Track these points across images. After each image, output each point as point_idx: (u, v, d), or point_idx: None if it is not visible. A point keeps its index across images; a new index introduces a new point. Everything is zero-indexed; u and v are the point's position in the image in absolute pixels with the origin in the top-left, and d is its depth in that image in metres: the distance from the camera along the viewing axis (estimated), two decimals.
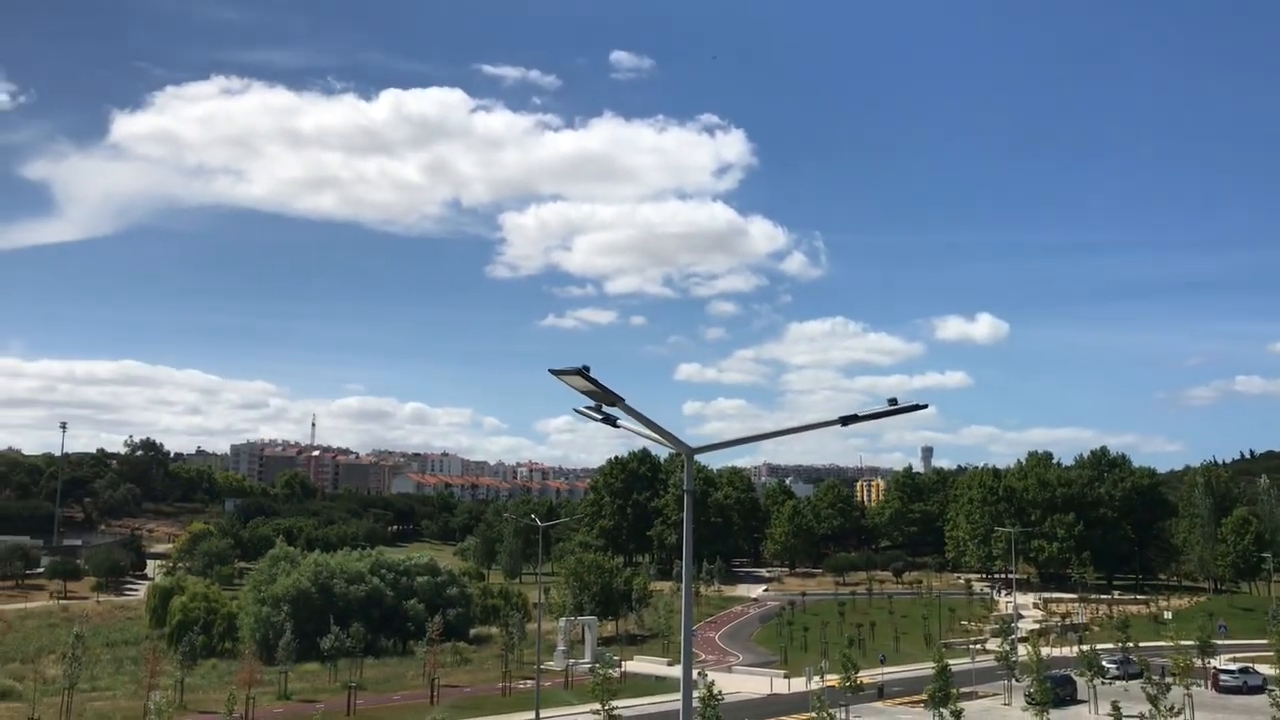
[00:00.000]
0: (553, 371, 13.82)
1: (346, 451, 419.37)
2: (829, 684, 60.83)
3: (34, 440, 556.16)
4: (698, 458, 15.93)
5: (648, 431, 15.26)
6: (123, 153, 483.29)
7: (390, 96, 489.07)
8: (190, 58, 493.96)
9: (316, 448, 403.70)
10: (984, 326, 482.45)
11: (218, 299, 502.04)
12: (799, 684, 68.10)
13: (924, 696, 55.16)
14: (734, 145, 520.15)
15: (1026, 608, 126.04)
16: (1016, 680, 65.52)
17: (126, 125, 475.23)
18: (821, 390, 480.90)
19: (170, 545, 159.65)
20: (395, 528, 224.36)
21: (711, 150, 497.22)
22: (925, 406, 14.13)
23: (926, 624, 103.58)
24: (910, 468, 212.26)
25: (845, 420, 14.00)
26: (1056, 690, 59.43)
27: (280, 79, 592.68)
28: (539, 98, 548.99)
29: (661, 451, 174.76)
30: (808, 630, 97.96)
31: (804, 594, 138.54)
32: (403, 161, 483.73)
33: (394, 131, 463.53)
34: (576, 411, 15.64)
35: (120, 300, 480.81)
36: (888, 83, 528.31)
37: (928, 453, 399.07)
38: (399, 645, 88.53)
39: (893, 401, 13.69)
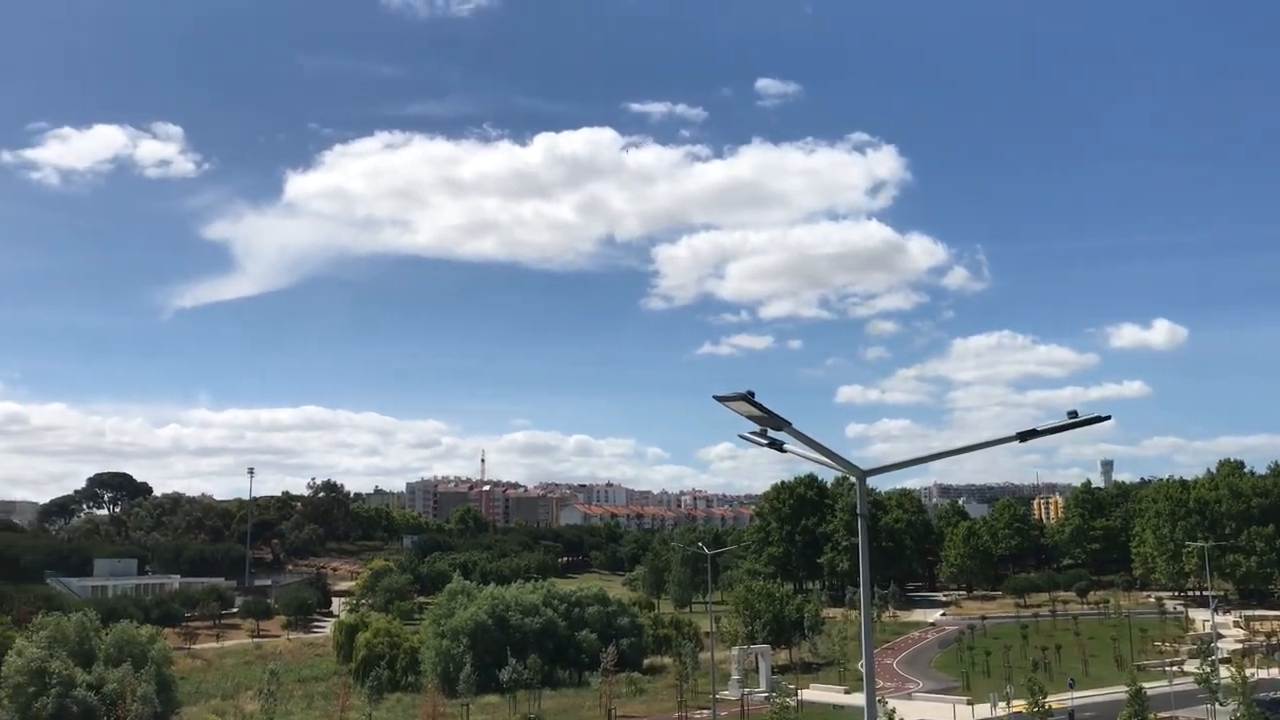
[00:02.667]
0: (717, 398, 13.75)
1: (515, 485, 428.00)
2: (1015, 710, 58.70)
3: (224, 486, 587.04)
4: (867, 480, 15.60)
5: (816, 455, 15.04)
6: (296, 210, 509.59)
7: (543, 140, 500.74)
8: (355, 116, 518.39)
9: (487, 483, 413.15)
10: (1160, 332, 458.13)
11: (389, 343, 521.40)
12: (983, 710, 65.87)
13: None
14: (886, 162, 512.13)
15: (1226, 626, 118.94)
16: (1220, 704, 61.77)
17: (299, 184, 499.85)
18: (990, 406, 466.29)
19: (353, 583, 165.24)
20: (565, 559, 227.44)
21: (863, 168, 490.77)
22: (1107, 418, 13.58)
23: (1116, 645, 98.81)
24: (1089, 482, 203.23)
25: (1024, 436, 13.53)
26: (1267, 715, 55.85)
27: (439, 130, 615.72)
28: (687, 130, 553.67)
29: (828, 475, 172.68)
30: (989, 654, 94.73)
31: (983, 617, 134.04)
32: (557, 203, 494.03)
33: (548, 173, 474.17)
34: (742, 437, 15.54)
35: (299, 349, 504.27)
36: (1041, 86, 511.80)
37: (1108, 466, 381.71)
38: (574, 676, 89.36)
39: (1073, 414, 13.19)
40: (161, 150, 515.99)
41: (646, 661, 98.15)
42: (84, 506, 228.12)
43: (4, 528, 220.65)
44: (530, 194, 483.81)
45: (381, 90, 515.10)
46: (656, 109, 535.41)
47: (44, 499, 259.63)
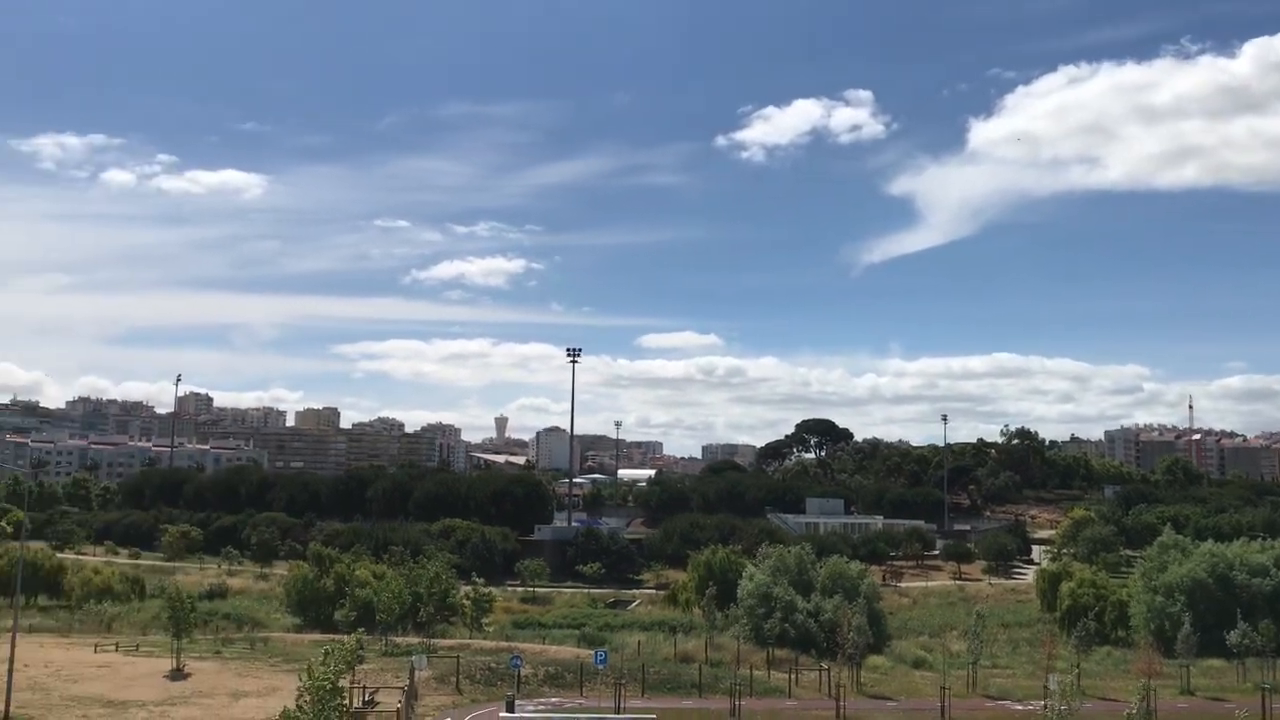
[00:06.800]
0: None
1: (1230, 434, 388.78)
2: None
3: (919, 432, 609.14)
4: None
5: None
6: (978, 158, 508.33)
7: (1253, 48, 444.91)
8: (1036, 54, 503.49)
9: (1196, 431, 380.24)
10: None
11: (1081, 286, 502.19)
12: None
13: None
14: None
15: None
16: None
17: (982, 132, 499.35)
18: None
19: (1052, 531, 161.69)
20: None
21: None
22: None
23: None
24: None
25: None
26: None
27: (1128, 54, 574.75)
28: None
29: None
30: None
31: None
32: (1275, 116, 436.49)
33: (1261, 84, 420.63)
34: None
35: (986, 296, 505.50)
36: None
37: None
38: None
39: None
40: (854, 116, 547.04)
41: None
42: (793, 450, 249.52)
43: (730, 468, 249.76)
44: (1240, 110, 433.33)
45: (1062, 22, 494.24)
46: None
47: (760, 443, 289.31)
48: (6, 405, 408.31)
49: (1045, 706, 36.94)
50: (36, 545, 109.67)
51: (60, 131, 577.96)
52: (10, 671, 44.87)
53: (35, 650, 61.08)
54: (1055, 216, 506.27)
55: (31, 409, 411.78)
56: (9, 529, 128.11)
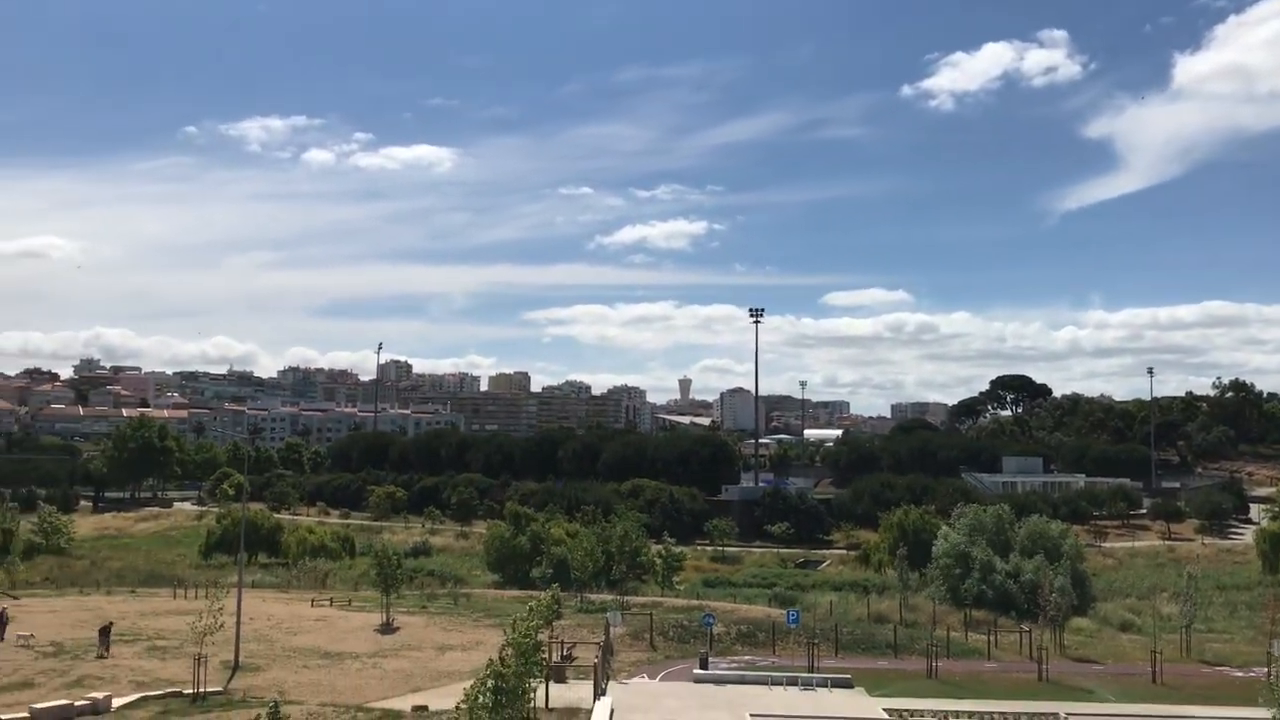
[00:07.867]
0: None
1: None
2: None
3: (1123, 387, 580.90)
4: None
5: None
6: (1184, 95, 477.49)
7: None
8: None
9: None
10: None
11: None
12: None
13: None
14: None
15: None
16: None
17: (1188, 67, 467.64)
18: None
19: (1272, 489, 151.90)
20: None
21: None
22: None
23: None
24: None
25: None
26: None
27: None
28: None
29: None
30: None
31: None
32: None
33: None
34: None
35: (1195, 241, 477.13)
36: None
37: None
38: None
39: None
40: (1048, 58, 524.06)
41: None
42: (988, 408, 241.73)
43: (921, 426, 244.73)
44: None
45: None
46: None
47: (952, 400, 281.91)
48: (224, 375, 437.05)
49: (1269, 674, 34.73)
50: (256, 507, 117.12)
51: (265, 115, 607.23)
52: (238, 624, 47.92)
53: (258, 604, 65.31)
54: (1273, 153, 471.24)
55: (246, 379, 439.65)
56: (231, 492, 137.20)
